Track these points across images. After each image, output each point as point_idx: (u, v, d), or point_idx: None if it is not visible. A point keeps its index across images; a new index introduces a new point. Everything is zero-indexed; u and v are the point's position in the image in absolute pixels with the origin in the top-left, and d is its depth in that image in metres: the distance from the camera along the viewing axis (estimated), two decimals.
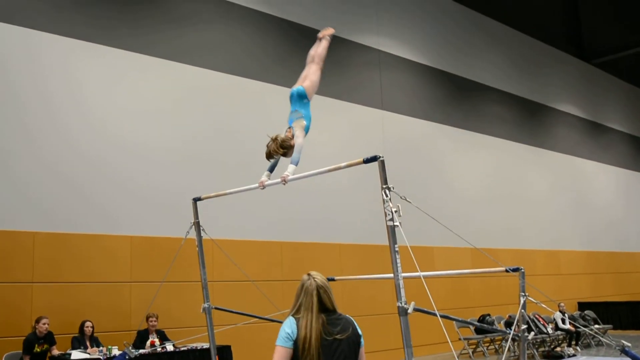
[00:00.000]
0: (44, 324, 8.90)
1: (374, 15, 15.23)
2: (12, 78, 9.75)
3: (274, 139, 5.93)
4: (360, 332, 3.55)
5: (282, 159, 6.09)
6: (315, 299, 3.44)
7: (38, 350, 8.84)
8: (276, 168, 6.21)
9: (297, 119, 6.14)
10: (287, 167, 5.77)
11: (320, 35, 7.50)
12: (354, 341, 3.49)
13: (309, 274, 3.55)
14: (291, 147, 5.86)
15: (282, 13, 13.25)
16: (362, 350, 3.56)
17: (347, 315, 3.57)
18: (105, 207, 10.32)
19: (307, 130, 6.06)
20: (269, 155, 5.98)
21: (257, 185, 6.08)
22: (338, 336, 3.39)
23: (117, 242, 10.36)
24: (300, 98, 6.52)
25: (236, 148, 12.06)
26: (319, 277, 3.54)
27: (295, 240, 12.51)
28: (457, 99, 17.11)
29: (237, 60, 12.43)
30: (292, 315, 3.46)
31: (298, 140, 5.89)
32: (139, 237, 10.58)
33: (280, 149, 5.88)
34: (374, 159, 4.43)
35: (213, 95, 11.94)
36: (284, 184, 5.67)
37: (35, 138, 9.80)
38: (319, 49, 7.44)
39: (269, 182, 5.98)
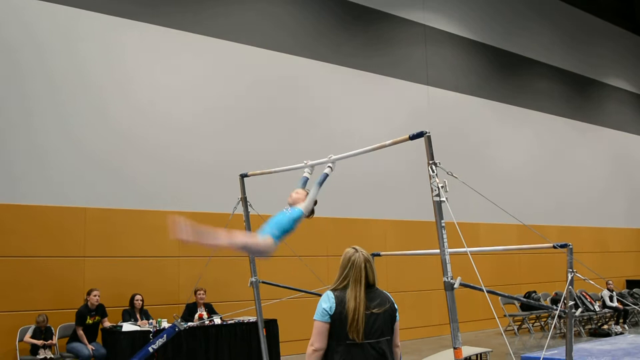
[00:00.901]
0: (95, 295, 9.14)
1: None
2: (52, 58, 9.93)
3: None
4: (396, 307, 3.61)
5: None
6: (363, 272, 3.50)
7: (90, 321, 9.09)
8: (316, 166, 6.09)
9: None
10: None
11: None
12: (391, 315, 3.56)
13: (355, 248, 3.61)
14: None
15: None
16: (397, 324, 3.62)
17: (384, 291, 3.62)
18: (153, 184, 10.50)
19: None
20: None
21: (301, 164, 6.05)
22: (375, 310, 3.47)
23: (165, 217, 10.50)
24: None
25: (281, 124, 12.13)
26: (364, 251, 3.59)
27: (340, 216, 12.56)
28: (504, 73, 16.87)
29: (281, 37, 12.45)
30: (334, 288, 3.52)
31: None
32: (187, 212, 10.72)
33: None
34: (420, 134, 4.42)
35: (257, 72, 11.99)
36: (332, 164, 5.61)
37: (79, 119, 9.99)
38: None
39: (314, 162, 5.93)
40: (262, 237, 4.94)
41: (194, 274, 9.76)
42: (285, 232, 5.08)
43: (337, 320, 3.40)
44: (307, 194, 5.38)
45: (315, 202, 5.36)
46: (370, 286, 3.53)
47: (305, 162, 5.91)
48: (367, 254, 3.59)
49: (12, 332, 8.86)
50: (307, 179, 5.76)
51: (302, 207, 5.27)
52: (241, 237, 5.03)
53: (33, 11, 9.72)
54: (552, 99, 18.17)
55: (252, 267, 7.13)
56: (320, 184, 5.37)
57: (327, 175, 5.50)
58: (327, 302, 3.45)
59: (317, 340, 3.41)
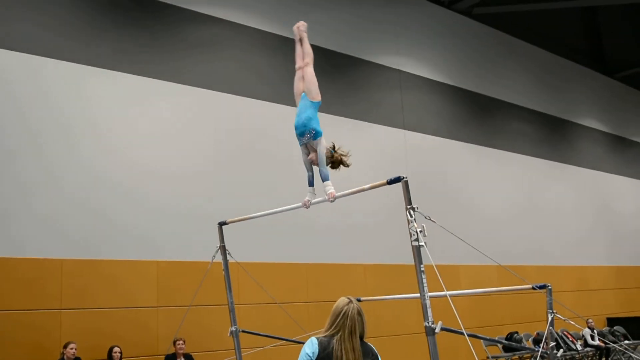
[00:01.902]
0: (72, 349, 8.97)
1: (393, 35, 15.31)
2: (27, 108, 9.91)
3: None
4: (380, 358, 3.61)
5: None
6: (357, 324, 3.51)
7: None
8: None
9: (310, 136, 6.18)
10: (323, 185, 5.80)
11: (297, 34, 7.18)
12: None
13: (349, 298, 3.62)
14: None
15: None
16: None
17: (368, 343, 3.62)
18: (130, 232, 10.41)
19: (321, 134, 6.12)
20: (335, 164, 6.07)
21: (276, 209, 6.09)
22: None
23: (143, 267, 10.45)
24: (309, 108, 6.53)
25: (259, 171, 12.14)
26: (357, 303, 3.61)
27: (320, 261, 12.52)
28: (479, 116, 17.09)
29: (258, 85, 12.54)
30: (322, 335, 3.51)
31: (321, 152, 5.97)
32: (165, 261, 10.66)
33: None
34: (397, 179, 4.46)
35: (234, 119, 12.03)
36: (332, 202, 5.69)
37: (56, 167, 9.93)
38: (304, 49, 7.14)
39: (314, 200, 5.99)
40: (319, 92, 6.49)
41: (173, 324, 9.64)
42: (313, 115, 6.36)
43: None
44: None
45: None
46: (360, 338, 3.54)
47: (303, 202, 5.95)
48: (360, 307, 3.61)
49: None
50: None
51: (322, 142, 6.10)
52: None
53: (5, 61, 9.71)
54: (528, 140, 18.40)
55: (232, 316, 7.08)
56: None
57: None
58: (310, 347, 3.45)
59: None
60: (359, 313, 3.56)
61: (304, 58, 7.06)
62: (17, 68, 9.82)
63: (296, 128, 6.12)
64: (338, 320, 3.53)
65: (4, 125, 9.57)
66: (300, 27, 7.12)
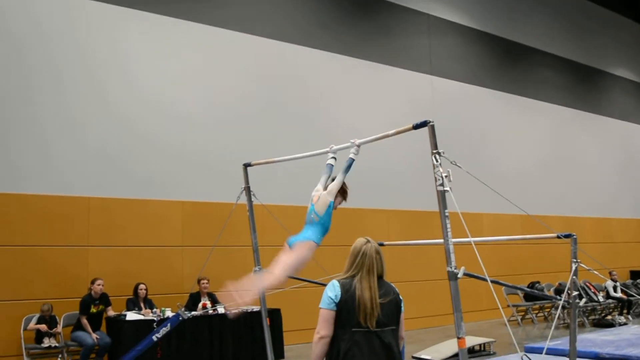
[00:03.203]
0: (99, 284, 9.16)
1: None
2: (54, 46, 9.92)
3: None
4: (401, 298, 3.63)
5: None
6: (375, 262, 3.52)
7: (94, 310, 9.12)
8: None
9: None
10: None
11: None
12: (396, 305, 3.59)
13: (366, 238, 3.62)
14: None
15: None
16: (402, 316, 3.66)
17: (389, 282, 3.63)
18: (156, 173, 10.50)
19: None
20: None
21: (302, 154, 6.02)
22: (381, 300, 3.47)
23: (168, 207, 10.56)
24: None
25: (284, 113, 12.11)
26: (375, 243, 3.61)
27: (343, 206, 12.51)
28: (507, 63, 16.82)
29: (284, 26, 12.42)
30: (343, 277, 3.53)
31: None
32: (190, 202, 10.76)
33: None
34: (423, 124, 4.40)
35: (259, 62, 11.97)
36: (357, 147, 5.52)
37: (85, 108, 9.99)
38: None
39: (339, 146, 5.88)
40: (302, 247, 5.35)
41: (198, 264, 9.76)
42: (324, 226, 5.46)
43: (343, 309, 3.43)
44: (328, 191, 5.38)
45: (345, 188, 5.39)
46: (378, 277, 3.55)
47: (330, 146, 5.84)
48: (378, 246, 3.62)
49: (17, 321, 8.90)
50: (332, 166, 5.67)
51: (329, 195, 5.31)
52: (284, 267, 5.30)
53: (34, 1, 9.69)
54: (556, 88, 18.11)
55: (256, 256, 7.14)
56: (347, 171, 5.36)
57: (352, 160, 5.44)
58: (332, 290, 3.47)
59: (323, 328, 3.43)
60: (377, 252, 3.58)
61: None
62: (45, 8, 9.80)
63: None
64: (357, 260, 3.55)
65: (30, 64, 9.60)
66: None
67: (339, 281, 3.51)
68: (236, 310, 5.37)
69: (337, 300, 3.44)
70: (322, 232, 5.26)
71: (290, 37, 12.41)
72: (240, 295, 4.85)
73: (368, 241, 3.61)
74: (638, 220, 20.13)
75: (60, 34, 9.88)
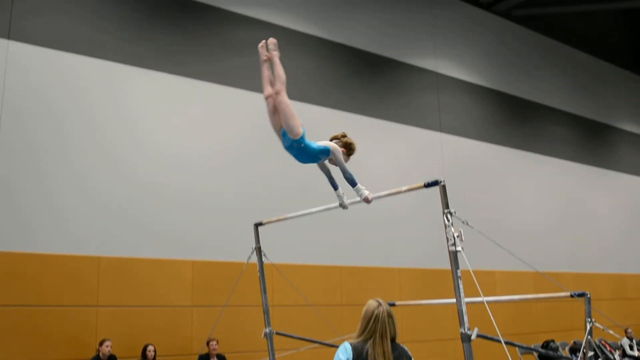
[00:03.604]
0: (107, 346, 9.07)
1: (431, 37, 15.21)
2: (58, 104, 10.05)
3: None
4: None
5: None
6: (388, 326, 3.48)
7: None
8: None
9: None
10: (354, 190, 5.70)
11: (262, 54, 6.10)
12: None
13: (378, 301, 3.59)
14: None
15: (339, 38, 13.34)
16: None
17: (401, 344, 3.59)
18: (167, 232, 10.49)
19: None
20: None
21: (317, 208, 6.04)
22: None
23: (179, 266, 10.52)
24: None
25: (296, 172, 12.14)
26: (387, 305, 3.58)
27: (355, 264, 12.48)
28: (517, 120, 16.90)
29: (297, 85, 12.52)
30: (354, 340, 3.49)
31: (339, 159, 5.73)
32: (200, 261, 10.72)
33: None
34: (435, 183, 4.42)
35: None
36: (369, 202, 5.54)
37: (89, 166, 10.05)
38: (275, 72, 6.07)
39: (351, 200, 5.91)
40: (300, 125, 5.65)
41: (207, 324, 9.68)
42: (309, 147, 5.73)
43: None
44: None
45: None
46: (391, 340, 3.51)
47: (342, 201, 5.85)
48: (390, 309, 3.58)
49: None
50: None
51: (332, 147, 5.41)
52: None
53: (38, 59, 9.83)
54: (566, 144, 18.15)
55: (267, 318, 7.08)
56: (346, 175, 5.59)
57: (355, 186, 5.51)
58: (344, 353, 3.42)
59: None
60: (390, 315, 3.54)
61: (274, 84, 6.05)
62: (49, 66, 9.95)
63: (305, 161, 5.84)
64: (370, 324, 3.50)
65: (37, 123, 9.71)
66: (270, 45, 6.06)
67: (351, 343, 3.47)
68: None
69: None
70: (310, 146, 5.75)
71: (303, 96, 12.50)
72: None
73: (380, 304, 3.57)
74: None
75: (61, 92, 9.99)
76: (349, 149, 5.62)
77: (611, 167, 19.57)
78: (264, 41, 6.02)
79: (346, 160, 5.56)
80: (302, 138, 5.75)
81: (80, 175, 9.87)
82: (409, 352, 3.58)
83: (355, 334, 3.57)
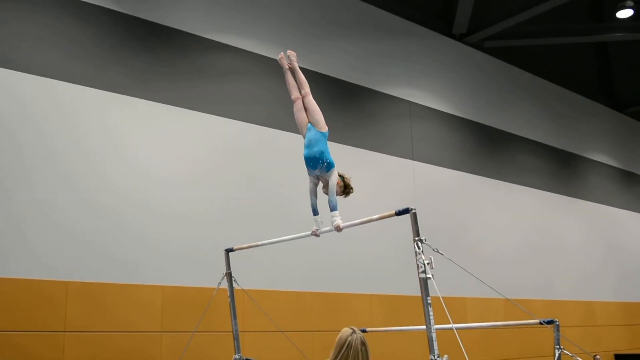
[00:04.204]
0: None
1: (404, 66, 15.38)
2: (49, 130, 9.97)
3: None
4: None
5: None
6: (360, 354, 3.49)
7: None
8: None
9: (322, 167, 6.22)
10: (330, 215, 5.79)
11: (284, 64, 7.10)
12: None
13: (352, 329, 3.60)
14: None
15: (314, 66, 13.41)
16: None
17: None
18: (136, 257, 10.39)
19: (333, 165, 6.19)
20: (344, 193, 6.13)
21: (287, 237, 6.08)
22: None
23: (148, 292, 10.42)
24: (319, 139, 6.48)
25: (267, 199, 12.14)
26: (361, 334, 3.59)
27: (326, 290, 12.47)
28: (489, 149, 17.09)
29: (270, 112, 12.59)
30: None
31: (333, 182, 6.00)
32: (170, 287, 10.64)
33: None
34: (405, 211, 4.46)
35: (243, 146, 12.06)
36: (340, 231, 5.66)
37: (59, 193, 9.94)
38: (298, 78, 7.10)
39: (323, 229, 5.99)
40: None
41: (177, 350, 9.58)
42: (325, 146, 6.36)
43: None
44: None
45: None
46: None
47: (312, 231, 5.94)
48: (363, 337, 3.60)
49: None
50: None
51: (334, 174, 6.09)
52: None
53: (26, 85, 9.77)
54: (536, 173, 18.38)
55: (236, 344, 7.04)
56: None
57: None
58: None
59: None
60: (363, 343, 3.56)
61: (301, 88, 7.01)
62: (15, 88, 9.86)
63: (308, 160, 6.13)
64: (342, 351, 3.52)
65: (20, 148, 9.62)
66: (291, 57, 7.02)
67: None
68: None
69: None
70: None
71: (274, 123, 12.54)
72: None
73: (354, 331, 3.59)
74: (621, 303, 20.11)
75: (24, 117, 9.88)
76: (345, 188, 5.87)
77: (582, 196, 19.85)
78: (282, 53, 6.87)
79: (337, 194, 5.74)
80: (326, 133, 6.71)
81: (45, 200, 9.73)
82: None
83: None
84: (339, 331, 3.60)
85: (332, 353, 3.50)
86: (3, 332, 9.01)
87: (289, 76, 7.05)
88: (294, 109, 6.97)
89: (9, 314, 9.09)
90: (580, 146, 20.41)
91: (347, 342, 3.47)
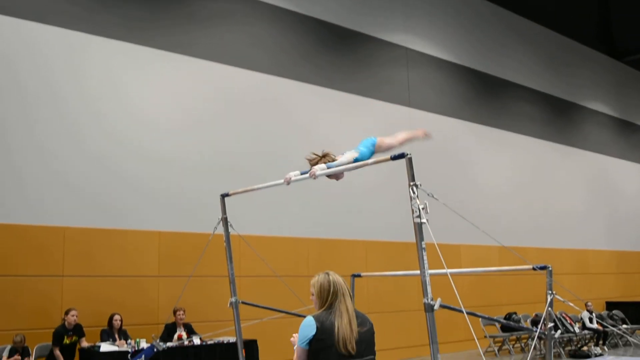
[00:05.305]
0: (73, 315, 9.05)
1: (401, 12, 15.20)
2: (50, 76, 9.90)
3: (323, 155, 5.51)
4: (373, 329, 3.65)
5: None
6: (346, 289, 3.52)
7: (67, 341, 8.99)
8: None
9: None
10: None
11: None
12: (372, 335, 3.59)
13: (327, 273, 3.60)
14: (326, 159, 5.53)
15: (309, 11, 13.27)
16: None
17: (362, 312, 3.63)
18: (133, 204, 10.44)
19: (355, 159, 5.48)
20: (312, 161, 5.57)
21: (282, 180, 6.00)
22: (359, 328, 3.46)
23: (145, 237, 10.49)
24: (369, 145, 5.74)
25: (264, 145, 12.13)
26: (337, 275, 3.61)
27: (322, 237, 12.56)
28: (485, 96, 17.02)
29: (266, 58, 12.49)
30: (317, 313, 3.49)
31: (343, 158, 5.39)
32: (167, 232, 10.70)
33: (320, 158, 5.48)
34: (401, 156, 4.44)
35: (238, 92, 12.00)
36: (314, 178, 5.39)
37: (57, 140, 9.91)
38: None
39: (295, 177, 5.83)
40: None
41: (174, 294, 9.69)
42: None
43: (320, 345, 3.37)
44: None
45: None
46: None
47: (285, 178, 5.79)
48: (339, 276, 3.62)
49: None
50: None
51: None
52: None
53: (3, 28, 9.63)
54: (532, 121, 18.34)
55: (232, 287, 7.10)
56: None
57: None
58: (308, 326, 3.42)
59: None
60: (343, 281, 3.59)
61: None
62: (15, 35, 9.77)
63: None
64: (331, 290, 3.52)
65: (1, 92, 9.56)
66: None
67: (313, 316, 3.48)
68: None
69: (312, 336, 3.39)
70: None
71: (270, 69, 12.47)
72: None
73: (328, 274, 3.60)
74: (613, 252, 20.32)
75: (27, 63, 9.84)
76: (325, 157, 5.39)
77: (576, 144, 19.86)
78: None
79: (331, 160, 5.32)
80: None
81: (43, 147, 9.74)
82: (370, 320, 3.62)
83: (317, 309, 3.58)
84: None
85: (317, 299, 3.48)
86: (2, 276, 9.10)
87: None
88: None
89: (8, 260, 9.17)
90: (577, 94, 20.32)
91: (330, 282, 3.47)
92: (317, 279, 3.64)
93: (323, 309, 3.52)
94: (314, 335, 3.38)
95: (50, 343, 8.98)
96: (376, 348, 3.64)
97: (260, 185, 6.74)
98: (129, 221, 10.35)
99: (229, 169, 11.36)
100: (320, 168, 5.29)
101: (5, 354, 8.69)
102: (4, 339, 8.84)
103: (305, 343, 3.39)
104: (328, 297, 3.53)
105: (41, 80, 9.86)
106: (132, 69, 10.83)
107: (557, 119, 19.34)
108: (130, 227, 10.35)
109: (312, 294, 3.64)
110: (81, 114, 10.19)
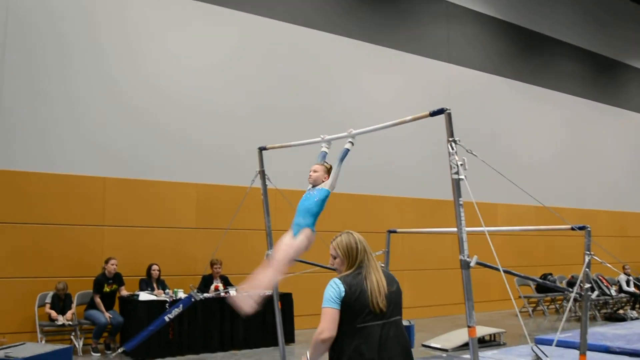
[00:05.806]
0: (113, 264, 9.25)
1: None
2: (67, 28, 9.94)
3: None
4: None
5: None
6: (372, 254, 3.46)
7: (107, 289, 9.20)
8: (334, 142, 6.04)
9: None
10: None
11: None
12: (399, 295, 3.49)
13: (348, 232, 3.52)
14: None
15: None
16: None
17: (388, 271, 3.57)
18: (171, 155, 10.55)
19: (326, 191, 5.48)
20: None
21: (319, 138, 5.99)
22: (387, 288, 3.40)
23: (183, 189, 10.60)
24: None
25: (301, 99, 12.10)
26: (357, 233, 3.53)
27: (357, 192, 12.55)
28: (526, 53, 16.69)
29: (300, 10, 12.39)
30: (344, 274, 3.40)
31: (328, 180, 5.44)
32: (205, 184, 10.80)
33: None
34: (440, 111, 4.37)
35: (276, 46, 11.95)
36: (352, 137, 5.47)
37: (99, 91, 10.01)
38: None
39: (332, 136, 5.85)
40: (301, 236, 5.28)
41: (211, 246, 9.81)
42: (317, 215, 5.16)
43: (348, 306, 3.29)
44: (327, 168, 5.35)
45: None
46: None
47: (322, 136, 5.83)
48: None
49: (32, 298, 8.99)
50: (326, 153, 5.72)
51: (327, 186, 5.29)
52: (284, 258, 5.25)
53: None
54: (575, 79, 17.97)
55: (269, 240, 7.15)
56: (342, 160, 5.37)
57: (348, 150, 5.45)
58: (335, 287, 3.33)
59: (327, 329, 3.28)
60: (365, 241, 3.51)
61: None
62: None
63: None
64: (359, 250, 3.44)
65: (41, 45, 9.63)
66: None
67: (339, 278, 3.37)
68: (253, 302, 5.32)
69: (341, 298, 3.30)
70: (315, 220, 5.37)
71: (308, 22, 12.38)
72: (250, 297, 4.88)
73: (352, 234, 3.53)
74: None
75: (69, 14, 9.89)
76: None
77: (620, 104, 19.43)
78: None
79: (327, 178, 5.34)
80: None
81: (81, 98, 9.85)
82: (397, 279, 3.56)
83: (343, 271, 3.47)
84: (370, 232, 3.57)
85: (345, 262, 3.39)
86: (44, 224, 9.29)
87: None
88: None
89: (49, 209, 9.36)
90: (621, 52, 19.78)
91: (356, 241, 3.39)
92: (341, 238, 3.52)
93: (351, 270, 3.42)
94: (344, 296, 3.30)
95: (91, 291, 9.20)
96: (410, 305, 3.62)
97: (296, 142, 6.72)
98: (167, 173, 10.47)
99: (268, 124, 11.38)
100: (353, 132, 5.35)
101: (48, 300, 8.94)
102: (47, 286, 9.08)
103: (336, 303, 3.30)
104: (357, 257, 3.43)
105: (81, 25, 9.93)
106: (174, 23, 10.84)
107: (601, 77, 18.91)
108: (169, 179, 10.47)
109: (335, 256, 3.51)
110: (122, 66, 10.26)
